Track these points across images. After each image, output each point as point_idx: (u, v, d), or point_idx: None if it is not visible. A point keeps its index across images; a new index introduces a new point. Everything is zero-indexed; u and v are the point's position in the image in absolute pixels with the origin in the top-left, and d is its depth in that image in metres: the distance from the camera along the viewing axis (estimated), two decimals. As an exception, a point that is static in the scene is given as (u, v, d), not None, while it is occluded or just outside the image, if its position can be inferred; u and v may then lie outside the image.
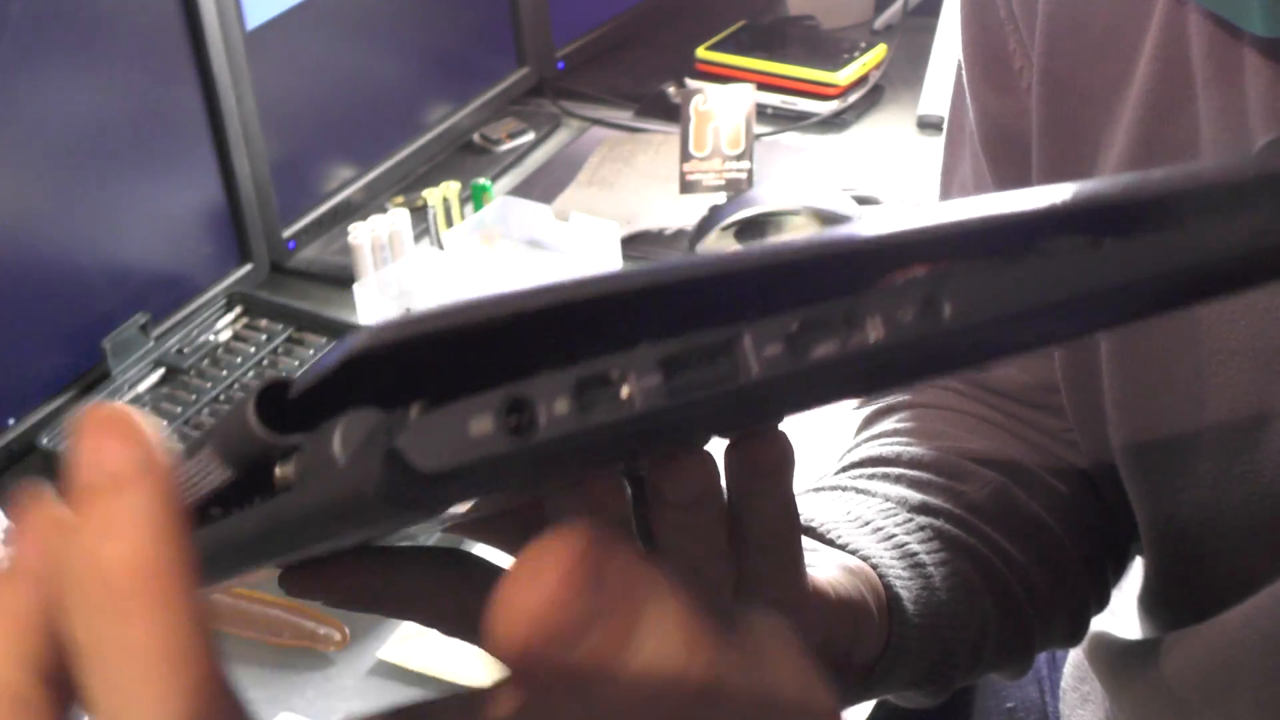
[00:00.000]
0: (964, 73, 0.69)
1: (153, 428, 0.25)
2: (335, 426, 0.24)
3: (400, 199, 1.52)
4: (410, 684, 1.01)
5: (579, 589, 0.25)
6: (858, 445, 0.71)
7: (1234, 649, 0.60)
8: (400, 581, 0.39)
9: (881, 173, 1.52)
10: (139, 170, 1.28)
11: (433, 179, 1.52)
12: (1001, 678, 0.77)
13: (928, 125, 1.60)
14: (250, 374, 1.26)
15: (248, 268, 1.39)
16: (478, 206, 1.45)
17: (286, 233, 1.44)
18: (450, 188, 1.44)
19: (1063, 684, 0.85)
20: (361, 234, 1.37)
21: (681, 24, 1.84)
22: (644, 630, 0.26)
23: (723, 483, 0.40)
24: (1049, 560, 0.67)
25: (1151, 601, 0.70)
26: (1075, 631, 0.71)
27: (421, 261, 1.39)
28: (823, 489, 0.66)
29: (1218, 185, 0.27)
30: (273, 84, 1.39)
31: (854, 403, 0.77)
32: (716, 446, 0.40)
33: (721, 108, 1.46)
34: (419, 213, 1.45)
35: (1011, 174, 0.68)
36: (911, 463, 0.67)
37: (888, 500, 0.63)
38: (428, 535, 0.42)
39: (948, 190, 0.76)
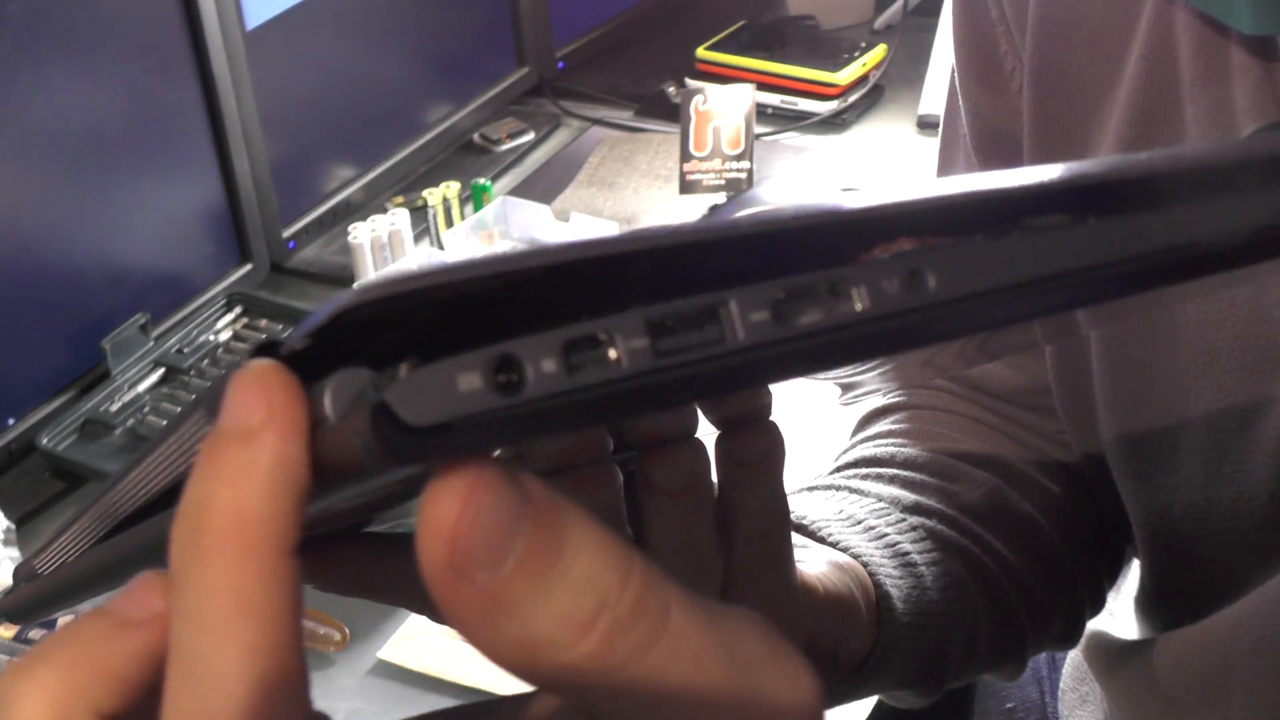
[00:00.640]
0: (956, 75, 0.70)
1: (294, 389, 0.25)
2: (326, 385, 0.24)
3: (400, 199, 1.52)
4: (410, 684, 1.01)
5: (496, 496, 0.24)
6: (852, 446, 0.71)
7: (1226, 650, 0.60)
8: (393, 566, 0.39)
9: (881, 173, 1.52)
10: (139, 170, 1.28)
11: (433, 179, 1.52)
12: (995, 679, 0.77)
13: (928, 125, 1.60)
14: (250, 374, 1.26)
15: (248, 268, 1.39)
16: (478, 206, 1.45)
17: (286, 233, 1.44)
18: (450, 188, 1.44)
19: (1062, 684, 0.85)
20: (361, 234, 1.37)
21: (681, 24, 1.84)
22: (572, 546, 0.25)
23: (713, 474, 0.41)
24: (1042, 561, 0.67)
25: (1147, 602, 0.70)
26: (1070, 633, 0.71)
27: (421, 261, 1.39)
28: (816, 488, 0.66)
29: (1203, 167, 0.27)
30: (273, 84, 1.39)
31: (843, 398, 0.77)
32: (708, 437, 0.40)
33: (721, 108, 1.46)
34: (419, 213, 1.45)
35: None
36: (905, 463, 0.67)
37: (880, 500, 0.63)
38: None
39: None
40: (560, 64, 1.74)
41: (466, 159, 1.60)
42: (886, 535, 0.60)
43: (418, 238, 1.43)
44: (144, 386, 1.25)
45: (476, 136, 1.63)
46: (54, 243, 1.23)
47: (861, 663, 0.56)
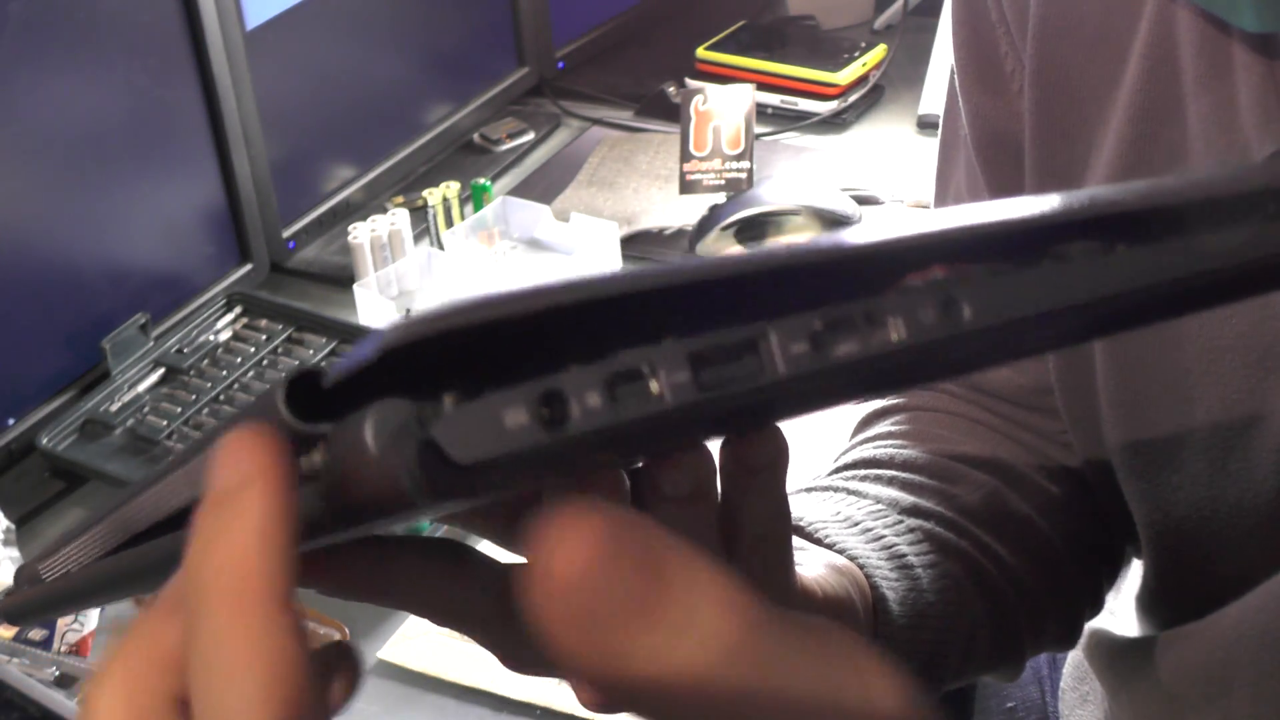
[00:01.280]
0: (956, 76, 0.69)
1: (278, 452, 0.26)
2: (365, 416, 0.24)
3: (400, 199, 1.52)
4: (410, 684, 1.01)
5: (610, 550, 0.25)
6: (851, 448, 0.71)
7: (1230, 647, 0.60)
8: (395, 571, 0.39)
9: (881, 173, 1.52)
10: (139, 170, 1.28)
11: (433, 179, 1.52)
12: (994, 679, 0.77)
13: (928, 125, 1.60)
14: (250, 374, 1.26)
15: (247, 268, 1.39)
16: (478, 206, 1.45)
17: (286, 233, 1.44)
18: (450, 188, 1.44)
19: (1062, 684, 0.85)
20: (361, 234, 1.37)
21: (681, 24, 1.84)
22: (682, 594, 0.25)
23: (717, 479, 0.41)
24: (1041, 563, 0.67)
25: (1149, 600, 0.70)
26: (1069, 635, 0.71)
27: (421, 261, 1.39)
28: (814, 489, 0.66)
29: (1229, 195, 0.28)
30: (273, 84, 1.39)
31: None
32: (712, 443, 0.40)
33: (721, 108, 1.46)
34: (419, 213, 1.45)
35: (1005, 176, 0.68)
36: (903, 465, 0.67)
37: (878, 502, 0.63)
38: (434, 528, 0.42)
39: (943, 196, 0.76)
40: (560, 64, 1.74)
41: (466, 159, 1.60)
42: (884, 538, 0.60)
43: (418, 238, 1.43)
44: (144, 386, 1.25)
45: (476, 136, 1.63)
46: (54, 243, 1.22)
47: None
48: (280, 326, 1.31)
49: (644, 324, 0.25)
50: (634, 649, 0.25)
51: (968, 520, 0.65)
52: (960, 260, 0.26)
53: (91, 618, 1.05)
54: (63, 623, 1.04)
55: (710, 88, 1.49)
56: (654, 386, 0.24)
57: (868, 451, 0.69)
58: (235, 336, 1.31)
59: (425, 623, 1.08)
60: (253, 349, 1.29)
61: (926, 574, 0.60)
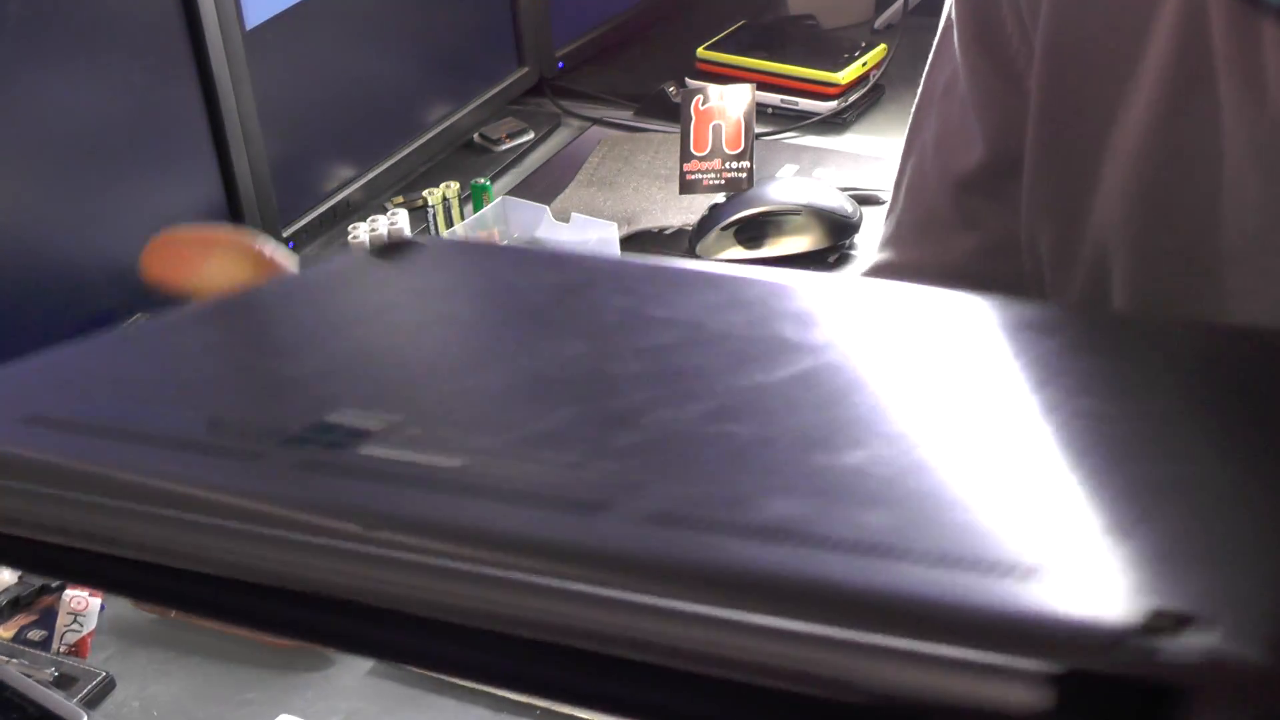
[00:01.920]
0: (957, 44, 0.68)
1: None
2: None
3: (400, 199, 1.52)
4: (410, 684, 1.01)
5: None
6: None
7: None
8: None
9: (881, 173, 1.52)
10: (139, 170, 1.28)
11: (433, 179, 1.52)
12: None
13: (928, 125, 1.60)
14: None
15: (248, 268, 1.39)
16: (478, 206, 1.45)
17: (286, 232, 1.44)
18: (450, 187, 1.44)
19: None
20: (361, 234, 1.37)
21: (681, 24, 1.84)
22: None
23: None
24: None
25: None
26: None
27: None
28: None
29: None
30: (273, 84, 1.39)
31: None
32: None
33: (721, 107, 1.46)
34: (419, 213, 1.45)
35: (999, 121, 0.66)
36: None
37: None
38: None
39: (908, 154, 0.74)
40: (560, 64, 1.74)
41: (466, 159, 1.60)
42: None
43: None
44: (144, 386, 1.25)
45: (476, 136, 1.63)
46: (54, 242, 1.22)
47: None
48: (280, 326, 1.31)
49: None
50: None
51: None
52: None
53: (91, 618, 1.05)
54: (62, 623, 1.04)
55: (710, 87, 1.49)
56: None
57: None
58: (235, 336, 1.31)
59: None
60: (253, 349, 1.29)
61: None
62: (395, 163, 1.55)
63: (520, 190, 1.53)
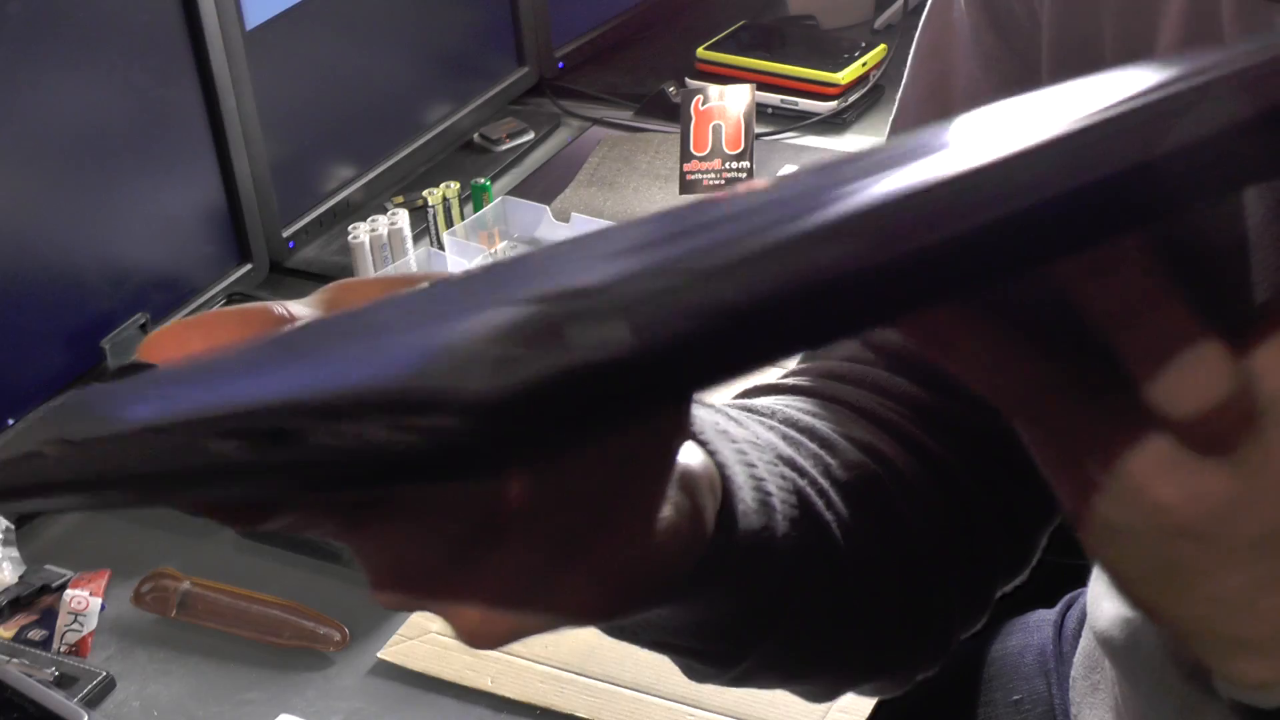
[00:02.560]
0: (969, 32, 0.67)
1: None
2: None
3: (400, 199, 1.52)
4: (410, 684, 1.01)
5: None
6: (733, 397, 0.66)
7: None
8: None
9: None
10: (139, 170, 1.28)
11: (433, 179, 1.52)
12: (813, 692, 0.65)
13: (928, 125, 1.60)
14: (250, 374, 1.26)
15: (247, 268, 1.39)
16: (478, 206, 1.45)
17: (286, 232, 1.44)
18: (450, 187, 1.44)
19: (1073, 673, 0.85)
20: (361, 234, 1.37)
21: (681, 24, 1.84)
22: None
23: None
24: (905, 561, 0.61)
25: None
26: (926, 644, 0.64)
27: (421, 261, 1.39)
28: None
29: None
30: (273, 84, 1.39)
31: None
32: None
33: (721, 107, 1.46)
34: (419, 213, 1.45)
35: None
36: (785, 420, 0.61)
37: (759, 437, 0.57)
38: None
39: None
40: (560, 64, 1.74)
41: (466, 159, 1.60)
42: (755, 467, 0.54)
43: (417, 238, 1.43)
44: (144, 386, 1.25)
45: (476, 136, 1.63)
46: (54, 242, 1.22)
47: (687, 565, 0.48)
48: (280, 326, 1.31)
49: None
50: None
51: (838, 492, 0.59)
52: None
53: (92, 618, 1.05)
54: (62, 623, 1.04)
55: (710, 87, 1.49)
56: None
57: (751, 399, 0.64)
58: (235, 336, 1.31)
59: (425, 622, 1.08)
60: (253, 349, 1.29)
61: (783, 525, 0.54)
62: (395, 163, 1.55)
63: (520, 190, 1.53)
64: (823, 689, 0.64)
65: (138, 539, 1.12)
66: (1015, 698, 0.91)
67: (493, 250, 1.39)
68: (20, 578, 1.08)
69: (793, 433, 0.60)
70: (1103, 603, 0.74)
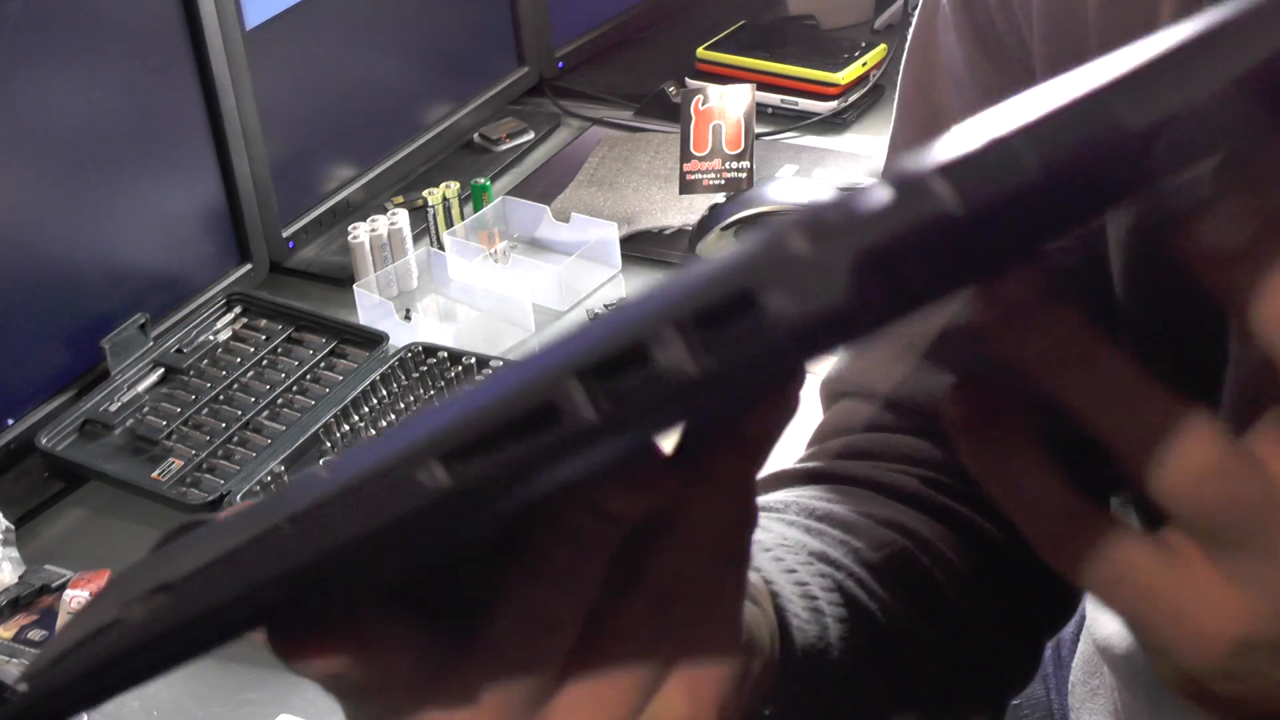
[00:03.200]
0: (954, 36, 0.67)
1: None
2: None
3: (400, 199, 1.52)
4: (410, 684, 1.01)
5: None
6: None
7: None
8: None
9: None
10: (139, 170, 1.28)
11: (433, 179, 1.52)
12: None
13: (928, 125, 1.60)
14: (249, 374, 1.26)
15: (247, 268, 1.39)
16: (477, 206, 1.45)
17: (286, 232, 1.44)
18: (450, 187, 1.44)
19: (1072, 678, 0.85)
20: (361, 234, 1.37)
21: (681, 24, 1.84)
22: None
23: None
24: (947, 629, 0.61)
25: None
26: (979, 704, 0.64)
27: (421, 261, 1.39)
28: None
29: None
30: (273, 84, 1.39)
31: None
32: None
33: (721, 107, 1.46)
34: (419, 212, 1.45)
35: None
36: (802, 511, 0.60)
37: (785, 538, 0.57)
38: None
39: (894, 154, 0.73)
40: (560, 64, 1.74)
41: (466, 159, 1.60)
42: (796, 571, 0.53)
43: (418, 238, 1.43)
44: (143, 386, 1.25)
45: (476, 136, 1.63)
46: (54, 243, 1.23)
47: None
48: (280, 326, 1.31)
49: None
50: None
51: (873, 576, 0.58)
52: None
53: (91, 618, 1.05)
54: (62, 623, 1.04)
55: (710, 87, 1.49)
56: None
57: (763, 495, 0.62)
58: (235, 336, 1.31)
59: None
60: (252, 349, 1.29)
61: (835, 629, 0.53)
62: (395, 163, 1.55)
63: (520, 190, 1.53)
64: None
65: (138, 539, 1.12)
66: (1014, 703, 0.91)
67: (492, 250, 1.39)
68: (20, 578, 1.07)
69: (813, 523, 0.59)
70: (1102, 613, 0.74)
